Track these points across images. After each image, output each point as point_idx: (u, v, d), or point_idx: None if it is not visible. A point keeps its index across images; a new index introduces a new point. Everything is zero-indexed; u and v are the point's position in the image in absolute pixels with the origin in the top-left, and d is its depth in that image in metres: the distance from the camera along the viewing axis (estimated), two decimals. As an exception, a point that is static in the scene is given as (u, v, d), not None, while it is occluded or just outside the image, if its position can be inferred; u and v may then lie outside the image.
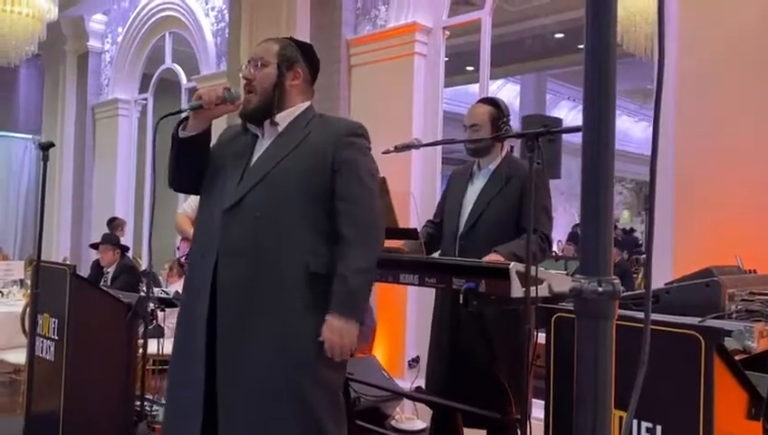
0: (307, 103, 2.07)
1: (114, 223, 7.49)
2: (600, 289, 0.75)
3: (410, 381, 4.26)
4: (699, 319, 1.71)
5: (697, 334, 1.51)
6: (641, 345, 0.83)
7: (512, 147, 3.05)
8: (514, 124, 2.94)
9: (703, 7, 3.42)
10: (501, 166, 2.80)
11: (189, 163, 2.04)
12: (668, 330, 1.56)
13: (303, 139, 1.97)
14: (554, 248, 10.18)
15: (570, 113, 12.54)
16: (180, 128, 2.01)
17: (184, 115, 2.02)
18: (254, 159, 1.99)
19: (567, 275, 2.41)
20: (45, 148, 2.91)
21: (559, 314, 1.79)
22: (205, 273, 1.90)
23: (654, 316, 1.63)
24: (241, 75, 2.03)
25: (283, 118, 2.01)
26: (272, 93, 1.98)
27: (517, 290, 2.11)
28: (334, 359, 1.86)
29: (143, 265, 7.15)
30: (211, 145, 2.10)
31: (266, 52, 2.02)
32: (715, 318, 1.78)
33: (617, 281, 0.75)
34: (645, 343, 0.83)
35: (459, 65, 8.56)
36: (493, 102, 2.87)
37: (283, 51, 2.02)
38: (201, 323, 1.89)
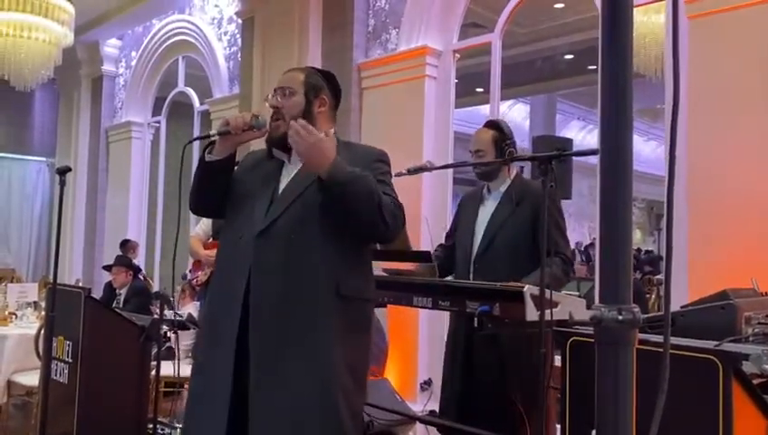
0: (331, 130, 2.12)
1: (127, 245, 7.54)
2: (621, 317, 0.76)
3: (423, 404, 4.23)
4: (716, 343, 1.70)
5: (715, 359, 1.50)
6: (660, 371, 0.82)
7: (521, 168, 3.05)
8: (525, 145, 2.96)
9: (712, 29, 3.44)
10: (511, 188, 2.81)
11: (212, 187, 2.07)
12: (685, 354, 1.55)
13: None
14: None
15: (580, 133, 12.56)
16: (207, 152, 2.04)
17: (211, 140, 2.05)
18: (283, 184, 2.03)
19: (580, 296, 2.41)
20: (63, 172, 2.94)
21: (574, 337, 1.79)
22: (236, 293, 1.92)
23: (670, 340, 1.62)
24: (268, 104, 2.06)
25: None
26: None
27: (532, 313, 2.11)
28: (296, 135, 1.86)
29: (155, 287, 7.18)
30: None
31: (292, 80, 2.07)
32: (731, 342, 1.77)
33: (637, 309, 0.76)
34: (665, 370, 0.83)
35: (469, 87, 8.58)
36: (495, 126, 2.87)
37: (308, 79, 2.08)
38: (230, 342, 1.90)
